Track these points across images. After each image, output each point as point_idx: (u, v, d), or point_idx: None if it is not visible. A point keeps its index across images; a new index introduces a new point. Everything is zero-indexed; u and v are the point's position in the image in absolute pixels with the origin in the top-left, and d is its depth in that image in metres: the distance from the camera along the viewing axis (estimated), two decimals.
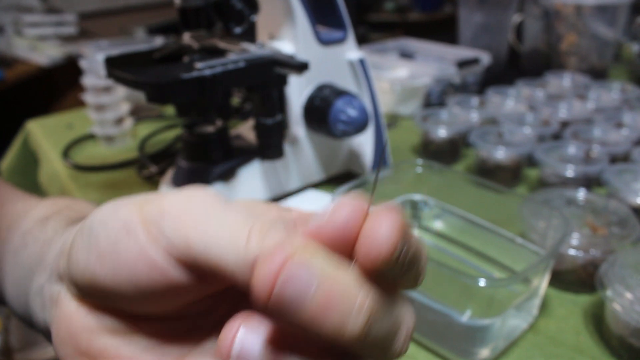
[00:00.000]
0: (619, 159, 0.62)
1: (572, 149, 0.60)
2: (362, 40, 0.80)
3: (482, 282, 0.33)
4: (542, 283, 0.40)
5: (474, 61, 0.89)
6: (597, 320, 0.42)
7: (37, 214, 0.27)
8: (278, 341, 0.15)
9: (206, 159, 0.54)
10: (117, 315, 0.19)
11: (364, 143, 0.61)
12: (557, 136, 0.66)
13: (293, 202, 0.58)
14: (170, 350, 0.20)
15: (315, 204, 0.57)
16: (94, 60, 0.71)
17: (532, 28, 1.03)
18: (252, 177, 0.55)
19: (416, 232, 0.50)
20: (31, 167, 0.84)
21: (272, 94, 0.52)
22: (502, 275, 0.44)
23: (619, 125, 0.67)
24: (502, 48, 1.02)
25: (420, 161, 0.49)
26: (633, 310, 0.36)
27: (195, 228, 0.17)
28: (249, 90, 0.51)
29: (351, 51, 0.58)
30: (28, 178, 0.85)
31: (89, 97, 0.71)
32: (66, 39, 1.94)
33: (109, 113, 0.72)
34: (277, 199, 0.58)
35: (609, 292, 0.38)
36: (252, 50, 0.52)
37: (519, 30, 1.07)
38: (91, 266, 0.19)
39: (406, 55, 1.01)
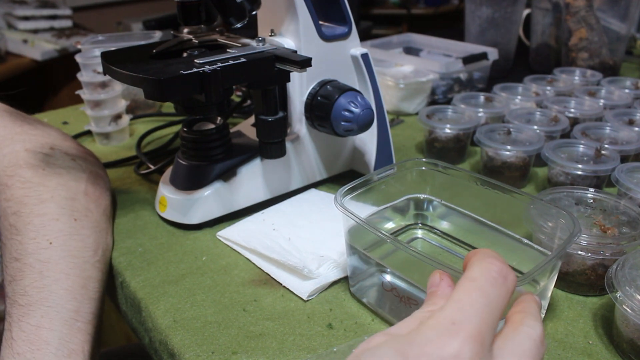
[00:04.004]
0: (630, 157, 0.60)
1: (581, 148, 0.59)
2: (365, 36, 0.79)
3: None
4: (549, 285, 0.39)
5: (480, 57, 0.87)
6: (607, 323, 0.41)
7: None
8: None
9: (206, 157, 0.53)
10: None
11: (368, 141, 0.60)
12: (566, 134, 0.64)
13: (295, 202, 0.57)
14: None
15: (317, 203, 0.56)
16: (90, 55, 0.71)
17: (541, 22, 1.01)
18: (252, 176, 0.55)
19: (420, 232, 0.49)
20: None
21: (274, 90, 0.51)
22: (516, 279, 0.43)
23: (631, 122, 0.66)
24: (509, 43, 1.00)
25: (425, 159, 0.48)
26: None
27: None
28: (249, 86, 0.50)
29: (354, 47, 0.57)
30: None
31: (84, 94, 0.71)
32: (60, 33, 1.93)
33: (106, 110, 0.72)
34: (278, 198, 0.57)
35: (619, 294, 0.37)
36: (253, 45, 0.51)
37: (527, 24, 1.06)
38: None
39: (411, 50, 1.00)
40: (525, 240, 0.44)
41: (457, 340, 0.23)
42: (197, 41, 0.53)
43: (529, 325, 0.27)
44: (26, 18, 1.93)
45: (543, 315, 0.41)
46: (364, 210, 0.45)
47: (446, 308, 0.25)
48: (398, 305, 0.40)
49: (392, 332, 0.26)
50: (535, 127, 0.63)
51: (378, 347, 0.24)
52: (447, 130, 0.65)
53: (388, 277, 0.40)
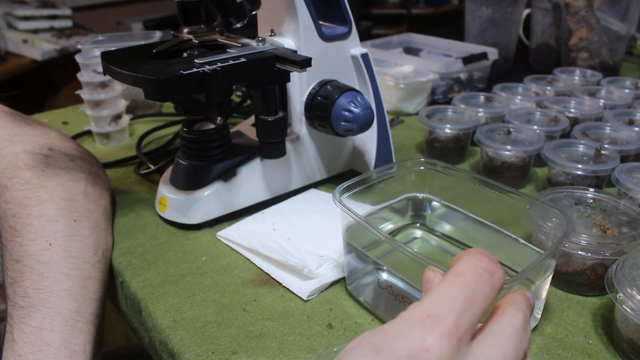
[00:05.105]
0: (630, 157, 0.60)
1: (581, 148, 0.59)
2: (365, 36, 0.79)
3: None
4: (544, 285, 0.39)
5: (480, 57, 0.87)
6: (607, 323, 0.41)
7: None
8: None
9: (206, 158, 0.53)
10: None
11: (368, 141, 0.60)
12: (566, 134, 0.64)
13: (295, 202, 0.57)
14: None
15: (317, 203, 0.56)
16: (90, 55, 0.71)
17: (541, 22, 1.01)
18: (252, 176, 0.55)
19: (419, 232, 0.49)
20: None
21: (274, 90, 0.51)
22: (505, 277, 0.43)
23: (631, 122, 0.66)
24: (509, 43, 1.00)
25: (424, 159, 0.48)
26: None
27: None
28: (249, 86, 0.50)
29: (354, 47, 0.57)
30: None
31: (84, 94, 0.71)
32: (60, 33, 1.93)
33: (106, 110, 0.72)
34: (278, 198, 0.57)
35: (619, 294, 0.37)
36: (253, 45, 0.51)
37: (527, 24, 1.06)
38: None
39: (411, 50, 1.00)
40: (522, 241, 0.44)
41: (430, 334, 0.23)
42: (197, 41, 0.53)
43: (510, 313, 0.26)
44: (26, 18, 1.93)
45: (539, 316, 0.41)
46: (362, 209, 0.45)
47: (424, 301, 0.24)
48: (392, 303, 0.40)
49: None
50: (535, 127, 0.63)
51: (357, 344, 0.24)
52: (447, 130, 0.65)
53: (385, 276, 0.40)
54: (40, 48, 1.75)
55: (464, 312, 0.24)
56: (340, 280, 0.46)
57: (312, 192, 0.59)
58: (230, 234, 0.52)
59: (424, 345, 0.22)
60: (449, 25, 2.49)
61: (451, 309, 0.24)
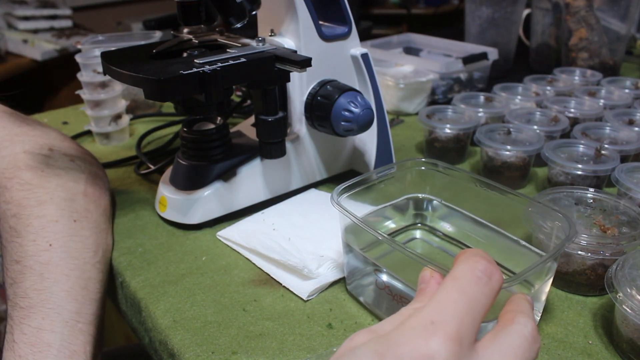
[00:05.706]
0: (630, 157, 0.60)
1: (581, 148, 0.59)
2: (365, 36, 0.79)
3: None
4: (544, 287, 0.39)
5: (480, 57, 0.87)
6: (607, 323, 0.41)
7: None
8: None
9: (206, 158, 0.53)
10: None
11: (368, 141, 0.60)
12: (566, 134, 0.64)
13: (295, 202, 0.57)
14: None
15: (317, 203, 0.56)
16: (90, 55, 0.71)
17: (541, 22, 1.01)
18: (252, 176, 0.55)
19: (419, 232, 0.49)
20: None
21: (274, 90, 0.51)
22: (505, 278, 0.43)
23: (631, 122, 0.66)
24: (509, 43, 1.00)
25: (424, 159, 0.48)
26: None
27: None
28: (249, 86, 0.50)
29: (354, 47, 0.57)
30: None
31: (84, 94, 0.71)
32: (60, 33, 1.93)
33: (106, 110, 0.72)
34: (278, 198, 0.57)
35: (618, 294, 0.37)
36: (253, 45, 0.51)
37: (527, 24, 1.06)
38: None
39: (411, 50, 1.00)
40: (523, 242, 0.44)
41: (433, 340, 0.23)
42: (197, 41, 0.53)
43: (519, 322, 0.26)
44: (26, 18, 1.93)
45: (538, 318, 0.41)
46: (362, 209, 0.45)
47: (426, 307, 0.25)
48: (391, 303, 0.40)
49: (375, 329, 0.26)
50: (535, 127, 0.63)
51: (358, 348, 0.24)
52: (447, 130, 0.65)
53: (383, 277, 0.40)
54: (40, 48, 1.75)
55: (464, 316, 0.24)
56: (340, 280, 0.46)
57: (312, 192, 0.59)
58: (230, 234, 0.52)
59: (428, 351, 0.23)
60: (449, 25, 2.49)
61: (452, 313, 0.24)
